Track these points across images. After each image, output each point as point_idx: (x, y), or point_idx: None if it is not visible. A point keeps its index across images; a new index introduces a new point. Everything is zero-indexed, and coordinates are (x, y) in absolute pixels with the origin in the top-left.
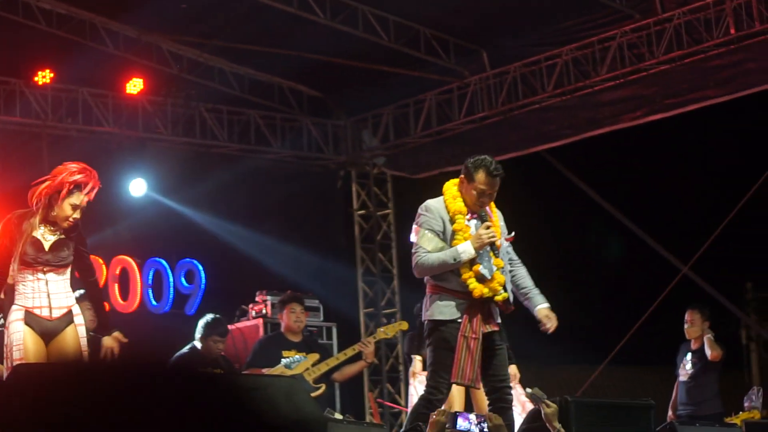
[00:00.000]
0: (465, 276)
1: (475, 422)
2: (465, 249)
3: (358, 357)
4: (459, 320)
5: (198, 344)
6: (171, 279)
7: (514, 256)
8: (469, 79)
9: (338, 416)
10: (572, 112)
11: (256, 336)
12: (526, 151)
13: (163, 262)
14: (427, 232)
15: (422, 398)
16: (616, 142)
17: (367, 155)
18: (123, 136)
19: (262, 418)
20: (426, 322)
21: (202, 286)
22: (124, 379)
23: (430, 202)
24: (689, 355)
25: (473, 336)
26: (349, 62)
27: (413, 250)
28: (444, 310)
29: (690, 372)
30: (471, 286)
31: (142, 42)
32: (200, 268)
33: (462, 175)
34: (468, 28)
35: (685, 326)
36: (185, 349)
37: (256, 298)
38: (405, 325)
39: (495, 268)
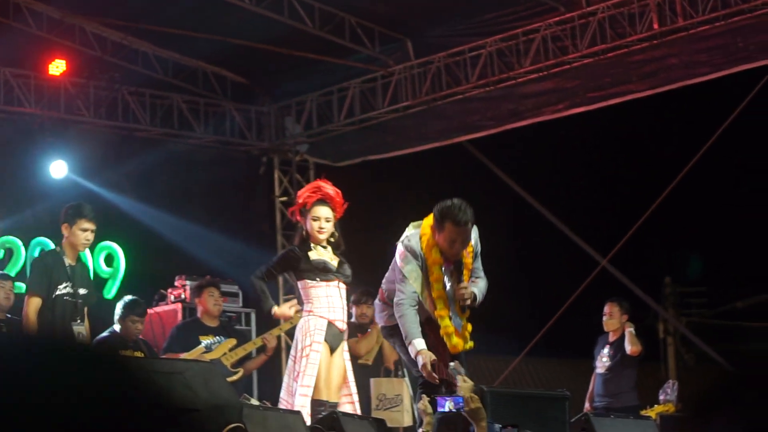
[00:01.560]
0: (443, 331)
1: (454, 405)
2: (417, 348)
3: (261, 349)
4: None
5: (117, 327)
6: (91, 262)
7: (479, 270)
8: (393, 68)
9: (255, 402)
10: (495, 104)
11: (174, 320)
12: (448, 141)
13: None
14: (411, 277)
15: (421, 391)
16: (538, 134)
17: (290, 142)
18: (45, 117)
19: (178, 402)
20: (382, 327)
21: (122, 270)
22: (42, 354)
23: (415, 245)
24: (606, 348)
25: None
26: (274, 48)
27: (399, 288)
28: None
29: (607, 364)
30: (453, 341)
31: (66, 23)
32: (120, 251)
33: (433, 224)
34: (393, 17)
35: (604, 318)
36: (105, 333)
37: (175, 283)
38: None
39: (461, 322)
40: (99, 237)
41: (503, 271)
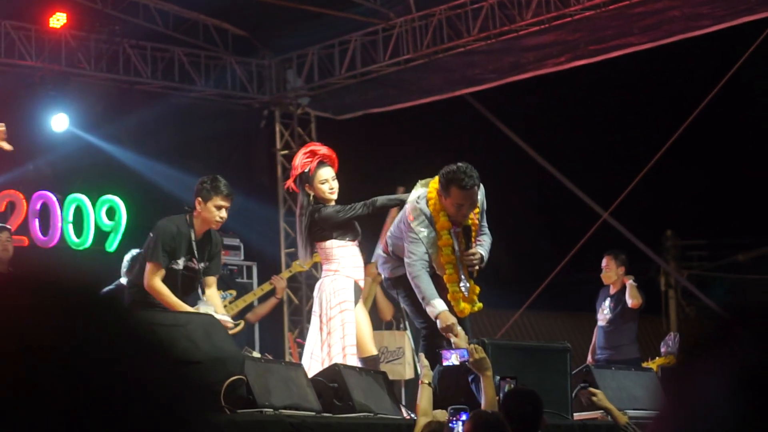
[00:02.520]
0: (452, 297)
1: (459, 357)
2: (437, 310)
3: (271, 294)
4: None
5: (124, 280)
6: (92, 215)
7: (485, 227)
8: (394, 21)
9: (256, 355)
10: (497, 56)
11: None
12: (450, 94)
13: (84, 198)
14: (425, 242)
15: (427, 347)
16: (540, 87)
17: (291, 95)
18: (45, 70)
19: (180, 355)
20: (386, 278)
21: (123, 223)
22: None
23: (423, 207)
24: (607, 300)
25: None
26: (274, 1)
27: (410, 249)
28: (403, 268)
29: (608, 317)
30: (460, 306)
31: None
32: (122, 204)
33: (439, 188)
34: None
35: (602, 272)
36: (111, 286)
37: None
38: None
39: (469, 285)
40: (100, 190)
41: (504, 225)
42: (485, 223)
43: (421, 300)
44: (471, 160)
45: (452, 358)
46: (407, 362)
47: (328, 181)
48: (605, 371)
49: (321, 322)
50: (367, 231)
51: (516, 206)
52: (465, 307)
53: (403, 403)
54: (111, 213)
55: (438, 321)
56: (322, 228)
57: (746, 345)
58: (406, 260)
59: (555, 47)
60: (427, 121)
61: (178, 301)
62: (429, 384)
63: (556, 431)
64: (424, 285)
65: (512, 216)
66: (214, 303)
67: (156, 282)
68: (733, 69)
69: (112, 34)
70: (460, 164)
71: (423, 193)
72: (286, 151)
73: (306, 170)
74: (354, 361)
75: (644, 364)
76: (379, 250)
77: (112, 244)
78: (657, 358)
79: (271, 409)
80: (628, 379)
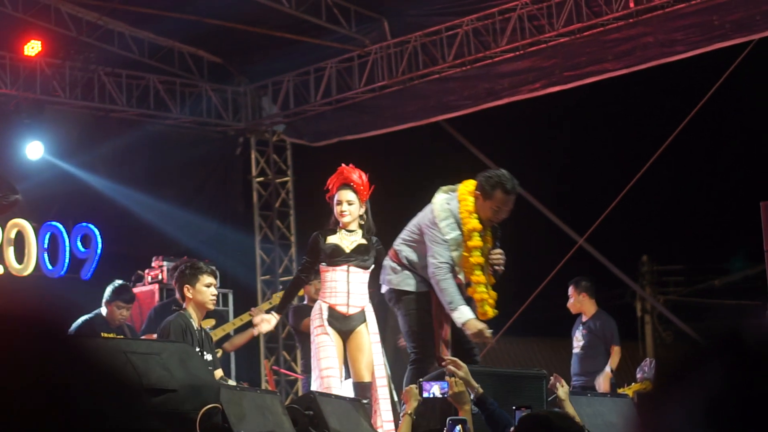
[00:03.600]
0: (478, 297)
1: (440, 390)
2: (464, 317)
3: (249, 325)
4: (423, 291)
5: (103, 310)
6: (67, 243)
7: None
8: (369, 48)
9: (232, 383)
10: (472, 83)
11: (151, 301)
12: (425, 121)
13: (60, 225)
14: (453, 244)
15: (414, 373)
16: (515, 113)
17: (266, 122)
18: (20, 98)
19: (155, 383)
20: (388, 289)
21: (99, 250)
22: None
23: (453, 209)
24: (581, 327)
25: (443, 317)
26: (249, 28)
27: (436, 251)
28: (410, 282)
29: (581, 343)
30: (484, 308)
31: (41, 3)
32: (97, 232)
33: (477, 191)
34: None
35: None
36: (90, 315)
37: (152, 264)
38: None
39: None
40: (76, 218)
41: None
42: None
43: (447, 305)
44: (445, 185)
45: (432, 390)
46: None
47: (342, 203)
48: (581, 398)
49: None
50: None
51: None
52: (488, 310)
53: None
54: (86, 241)
55: (465, 328)
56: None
57: (714, 374)
58: (430, 261)
59: (530, 73)
60: (402, 148)
61: None
62: (411, 415)
63: None
64: (452, 290)
65: None
66: None
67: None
68: (708, 95)
69: (87, 61)
70: (501, 170)
71: (453, 196)
72: (261, 178)
73: (328, 188)
74: (334, 384)
75: (620, 390)
76: (384, 264)
77: (87, 272)
78: (633, 383)
79: None
80: (603, 405)
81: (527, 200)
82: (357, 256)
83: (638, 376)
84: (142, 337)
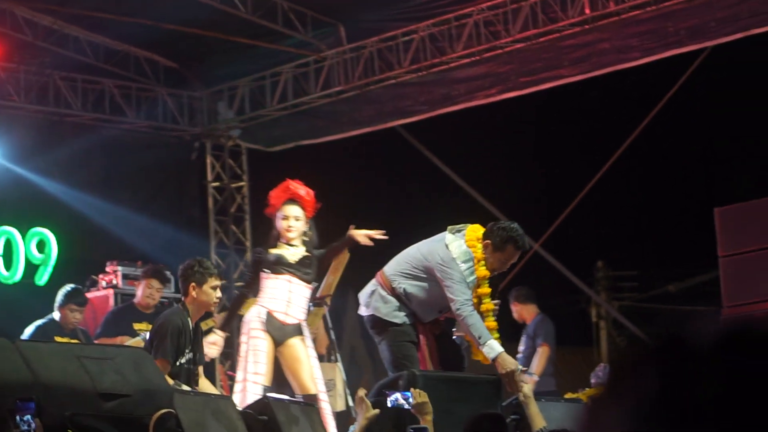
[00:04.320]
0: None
1: (402, 398)
2: (495, 352)
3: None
4: (411, 324)
5: (56, 315)
6: (22, 248)
7: None
8: (325, 53)
9: (186, 388)
10: (428, 88)
11: (106, 306)
12: (381, 126)
13: (14, 231)
14: (461, 281)
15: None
16: (471, 119)
17: (222, 127)
18: None
19: (109, 387)
20: (373, 316)
21: (54, 255)
22: None
23: (454, 257)
24: (524, 334)
25: (429, 343)
26: (205, 33)
27: (459, 290)
28: (398, 314)
29: (521, 348)
30: (479, 357)
31: None
32: (52, 237)
33: (487, 240)
34: (325, 2)
35: None
36: (43, 320)
37: (107, 269)
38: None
39: None
40: (30, 223)
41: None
42: None
43: (477, 340)
44: (402, 190)
45: (396, 400)
46: (338, 394)
47: (288, 219)
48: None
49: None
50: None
51: None
52: (482, 357)
53: None
54: (41, 246)
55: (496, 364)
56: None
57: (651, 376)
58: (454, 299)
59: (486, 79)
60: (358, 153)
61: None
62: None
63: None
64: (479, 325)
65: None
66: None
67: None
68: (663, 101)
69: (42, 66)
70: (514, 224)
71: (461, 238)
72: (217, 183)
73: (274, 203)
74: (257, 391)
75: (574, 395)
76: (372, 288)
77: (42, 278)
78: (587, 389)
79: None
80: (557, 410)
81: (482, 205)
82: (301, 268)
83: (592, 381)
84: (97, 342)
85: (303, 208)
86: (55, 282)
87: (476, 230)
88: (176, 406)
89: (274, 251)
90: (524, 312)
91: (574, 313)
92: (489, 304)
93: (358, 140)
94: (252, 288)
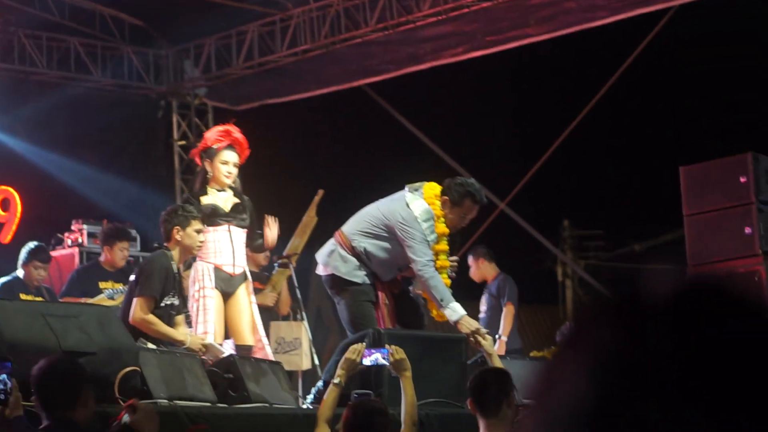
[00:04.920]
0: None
1: (381, 356)
2: (458, 315)
3: None
4: (369, 283)
5: (20, 272)
6: None
7: None
8: (291, 12)
9: (151, 346)
10: (394, 47)
11: (71, 265)
12: (347, 85)
13: None
14: (423, 241)
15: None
16: (437, 78)
17: (188, 85)
18: None
19: (74, 346)
20: (332, 275)
21: (18, 214)
22: None
23: (416, 215)
24: (485, 293)
25: (387, 302)
26: None
27: (420, 250)
28: (358, 273)
29: (484, 308)
30: (435, 312)
31: None
32: (17, 195)
33: (444, 196)
34: None
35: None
36: (7, 278)
37: (72, 227)
38: None
39: None
40: None
41: None
42: None
43: (438, 302)
44: (369, 150)
45: (374, 357)
46: (304, 353)
47: (228, 164)
48: (501, 360)
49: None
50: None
51: None
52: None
53: (300, 393)
54: (5, 204)
55: (459, 325)
56: None
57: (604, 332)
58: (416, 259)
59: (452, 38)
60: (325, 112)
61: (173, 330)
62: (338, 384)
63: (450, 421)
64: (441, 287)
65: None
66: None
67: (148, 314)
68: (629, 60)
69: (6, 23)
70: (470, 179)
71: (419, 196)
72: (183, 142)
73: (214, 146)
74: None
75: (539, 354)
76: (331, 248)
77: (7, 236)
78: (553, 347)
79: (166, 401)
80: (523, 368)
81: (448, 164)
82: (236, 215)
83: (558, 339)
84: (62, 300)
85: (239, 155)
86: (19, 240)
87: (433, 188)
88: (141, 364)
89: (206, 202)
90: (486, 270)
91: (540, 272)
92: (445, 261)
93: (324, 99)
94: None
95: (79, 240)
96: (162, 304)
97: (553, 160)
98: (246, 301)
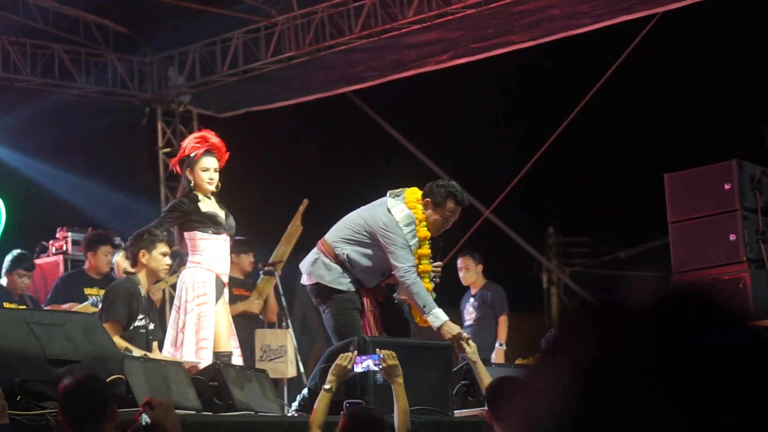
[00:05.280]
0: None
1: (373, 363)
2: (440, 321)
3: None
4: (354, 291)
5: (3, 281)
6: None
7: None
8: (276, 19)
9: (137, 354)
10: (379, 54)
11: (56, 272)
12: (332, 92)
13: None
14: (404, 247)
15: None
16: (422, 85)
17: (173, 93)
18: None
19: (59, 354)
20: (317, 284)
21: (2, 222)
22: None
23: (397, 221)
24: (471, 300)
25: (373, 309)
26: None
27: (402, 256)
28: (343, 281)
29: (474, 316)
30: (419, 318)
31: None
32: (1, 203)
33: (427, 199)
34: None
35: (460, 274)
36: None
37: (57, 235)
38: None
39: None
40: None
41: None
42: None
43: (421, 308)
44: (354, 157)
45: (365, 363)
46: (289, 360)
47: (209, 171)
48: (486, 368)
49: (179, 315)
50: (260, 233)
51: None
52: (423, 321)
53: (285, 401)
54: None
55: (442, 331)
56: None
57: (587, 336)
58: (398, 266)
59: (437, 45)
60: (309, 119)
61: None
62: (329, 390)
63: (435, 428)
64: (424, 293)
65: None
66: None
67: (115, 336)
68: (613, 67)
69: None
70: (452, 181)
71: (401, 201)
72: (168, 149)
73: (192, 154)
74: (208, 357)
75: (524, 361)
76: (314, 257)
77: None
78: (537, 354)
79: None
80: (508, 374)
81: (434, 172)
82: (229, 225)
83: (542, 346)
84: (47, 308)
85: (219, 159)
86: (4, 248)
87: (415, 192)
88: (126, 372)
89: (204, 208)
90: (477, 275)
91: (525, 279)
92: (427, 266)
93: (309, 106)
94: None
95: (64, 248)
96: (132, 327)
97: (539, 168)
98: (224, 308)
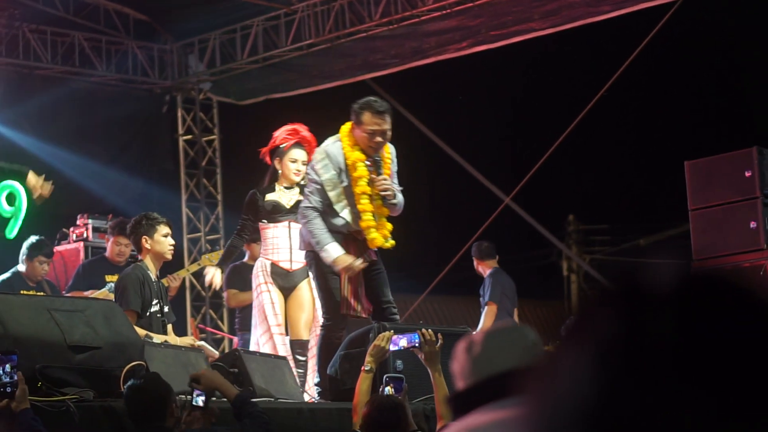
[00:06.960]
0: (364, 225)
1: (408, 343)
2: (333, 254)
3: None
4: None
5: (22, 267)
6: None
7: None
8: (296, 6)
9: (157, 340)
10: (399, 42)
11: (76, 260)
12: (352, 80)
13: None
14: (329, 185)
15: (323, 339)
16: (442, 72)
17: (193, 80)
18: None
19: (79, 340)
20: (308, 252)
21: (23, 209)
22: None
23: (330, 148)
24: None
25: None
26: None
27: (306, 201)
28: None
29: (482, 302)
30: (372, 235)
31: None
32: (22, 190)
33: (351, 122)
34: None
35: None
36: (7, 274)
37: (77, 222)
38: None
39: (380, 220)
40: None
41: (407, 209)
42: (397, 184)
43: (315, 246)
44: None
45: (401, 343)
46: None
47: (297, 162)
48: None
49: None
50: None
51: (419, 191)
52: (376, 236)
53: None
54: (11, 199)
55: (334, 265)
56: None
57: (605, 322)
58: (302, 206)
59: (457, 33)
60: (329, 107)
61: (163, 337)
62: (370, 371)
63: None
64: (318, 229)
65: (415, 201)
66: None
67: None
68: (634, 54)
69: (11, 18)
70: (371, 96)
71: (331, 139)
72: (188, 137)
73: (282, 145)
74: (281, 341)
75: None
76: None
77: (12, 231)
78: (557, 341)
79: None
80: None
81: (453, 159)
82: (295, 212)
83: (562, 334)
84: (68, 295)
85: (307, 152)
86: (24, 235)
87: (347, 123)
88: (147, 359)
89: (269, 198)
90: (481, 268)
91: (545, 267)
92: (363, 187)
93: (329, 94)
94: (248, 231)
95: (85, 235)
96: (148, 314)
97: (559, 155)
98: (307, 297)
